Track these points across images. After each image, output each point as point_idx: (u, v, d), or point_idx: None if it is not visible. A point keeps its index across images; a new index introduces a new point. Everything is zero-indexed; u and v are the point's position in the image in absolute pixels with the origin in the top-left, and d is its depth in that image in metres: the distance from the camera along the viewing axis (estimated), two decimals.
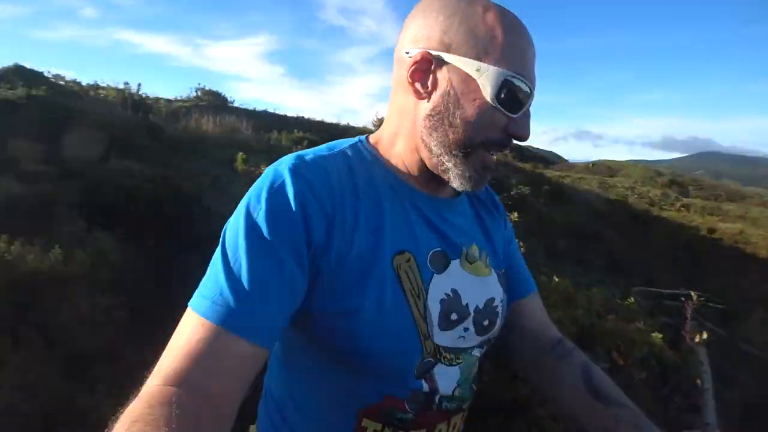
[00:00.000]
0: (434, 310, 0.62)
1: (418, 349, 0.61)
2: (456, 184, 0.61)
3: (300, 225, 0.54)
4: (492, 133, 0.58)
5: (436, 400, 0.65)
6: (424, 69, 0.58)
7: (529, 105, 0.59)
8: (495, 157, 0.63)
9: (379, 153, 0.66)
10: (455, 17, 0.57)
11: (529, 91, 0.58)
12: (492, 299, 0.69)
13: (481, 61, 0.55)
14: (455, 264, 0.66)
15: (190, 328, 0.49)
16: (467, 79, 0.56)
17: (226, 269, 0.51)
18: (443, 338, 0.63)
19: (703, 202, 12.94)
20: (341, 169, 0.61)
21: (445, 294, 0.63)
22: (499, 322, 0.71)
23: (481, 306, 0.67)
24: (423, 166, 0.63)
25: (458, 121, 0.57)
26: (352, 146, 0.66)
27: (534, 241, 5.49)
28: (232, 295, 0.50)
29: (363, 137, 0.69)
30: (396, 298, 0.59)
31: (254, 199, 0.55)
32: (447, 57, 0.57)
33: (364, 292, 0.57)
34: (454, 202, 0.70)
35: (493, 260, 0.73)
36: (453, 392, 0.66)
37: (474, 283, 0.67)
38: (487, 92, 0.55)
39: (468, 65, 0.56)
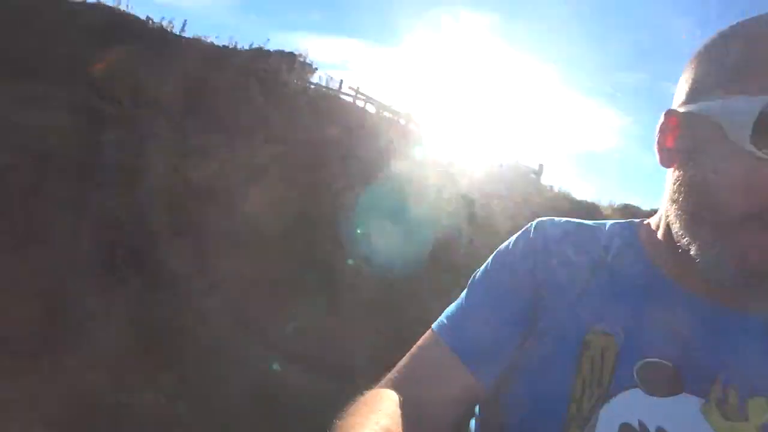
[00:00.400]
0: (605, 428, 0.43)
1: None
2: (704, 276, 0.42)
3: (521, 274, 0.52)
4: (757, 198, 0.37)
5: None
6: (671, 130, 0.45)
7: None
8: None
9: (644, 234, 0.51)
10: (701, 56, 0.45)
11: None
12: None
13: (726, 95, 0.39)
14: (692, 401, 0.42)
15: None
16: (713, 127, 0.40)
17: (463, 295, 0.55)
18: None
19: None
20: (586, 239, 0.52)
21: (639, 423, 0.43)
22: None
23: None
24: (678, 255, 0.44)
25: (699, 184, 0.41)
26: (628, 223, 0.54)
27: None
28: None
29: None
30: (551, 390, 0.47)
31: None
32: (691, 107, 0.43)
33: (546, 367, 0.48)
34: (753, 321, 0.44)
35: None
36: None
37: None
38: (739, 135, 0.37)
39: (712, 108, 0.40)
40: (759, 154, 0.36)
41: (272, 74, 7.53)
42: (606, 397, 0.44)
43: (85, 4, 7.04)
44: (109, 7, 7.24)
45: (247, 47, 8.89)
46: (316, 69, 10.38)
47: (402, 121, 10.78)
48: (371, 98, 12.33)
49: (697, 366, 0.43)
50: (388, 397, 0.46)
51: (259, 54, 8.86)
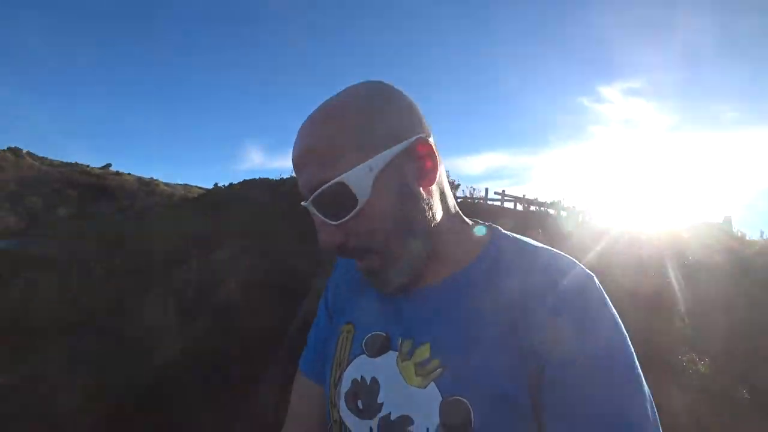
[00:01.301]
0: (346, 386, 0.62)
1: (329, 412, 0.66)
2: None
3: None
4: None
5: None
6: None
7: (309, 200, 0.56)
8: (359, 265, 0.61)
9: None
10: None
11: (303, 194, 0.58)
12: (407, 419, 0.55)
13: None
14: (392, 355, 0.60)
15: None
16: None
17: None
18: (350, 419, 0.61)
19: None
20: (351, 263, 0.70)
21: (364, 378, 0.61)
22: None
23: (393, 417, 0.56)
24: None
25: None
26: None
27: None
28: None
29: None
30: (329, 361, 0.68)
31: None
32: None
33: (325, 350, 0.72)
34: (434, 292, 0.60)
35: (450, 377, 0.53)
36: None
37: (398, 387, 0.57)
38: None
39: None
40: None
41: None
42: (347, 364, 0.64)
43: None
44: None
45: None
46: (459, 184, 11.51)
47: (551, 211, 10.89)
48: (518, 197, 12.85)
49: (394, 332, 0.61)
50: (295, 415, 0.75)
51: None
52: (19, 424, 2.89)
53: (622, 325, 0.53)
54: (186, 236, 6.59)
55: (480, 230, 0.65)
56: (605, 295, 0.54)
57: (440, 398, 0.53)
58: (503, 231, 0.64)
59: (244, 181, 17.90)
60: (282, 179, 16.42)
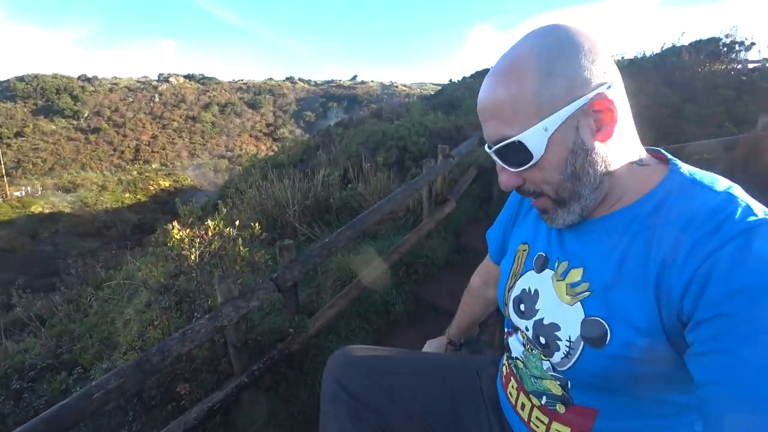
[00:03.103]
0: (516, 292, 0.77)
1: (502, 306, 0.83)
2: None
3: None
4: None
5: (511, 359, 0.81)
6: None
7: (492, 149, 0.65)
8: (534, 202, 0.69)
9: None
10: None
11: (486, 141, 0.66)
12: (555, 326, 0.67)
13: None
14: (548, 273, 0.71)
15: None
16: None
17: None
18: (514, 316, 0.77)
19: None
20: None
21: (529, 289, 0.74)
22: (560, 355, 0.66)
23: (545, 322, 0.69)
24: None
25: None
26: None
27: None
28: None
29: None
30: (506, 270, 0.83)
31: None
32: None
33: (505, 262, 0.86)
34: (598, 223, 0.65)
35: (596, 301, 0.61)
36: (526, 379, 0.75)
37: (551, 300, 0.68)
38: None
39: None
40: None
41: None
42: (520, 276, 0.77)
43: None
44: None
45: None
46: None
47: None
48: None
49: (554, 254, 0.71)
50: (472, 286, 1.14)
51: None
52: None
53: None
54: (432, 133, 7.13)
55: (656, 169, 0.64)
56: None
57: (583, 316, 0.62)
58: (682, 168, 0.62)
59: (476, 72, 17.61)
60: None
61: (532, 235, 0.78)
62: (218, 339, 2.30)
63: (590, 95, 0.57)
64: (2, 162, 48.99)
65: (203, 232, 2.13)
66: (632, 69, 8.06)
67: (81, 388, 2.74)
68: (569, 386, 0.67)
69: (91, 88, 68.26)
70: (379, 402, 0.88)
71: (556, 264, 0.69)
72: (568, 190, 0.62)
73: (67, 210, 35.58)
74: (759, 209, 0.53)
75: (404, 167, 6.23)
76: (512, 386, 0.80)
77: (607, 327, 0.59)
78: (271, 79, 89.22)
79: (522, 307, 0.74)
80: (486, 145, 0.66)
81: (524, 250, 0.78)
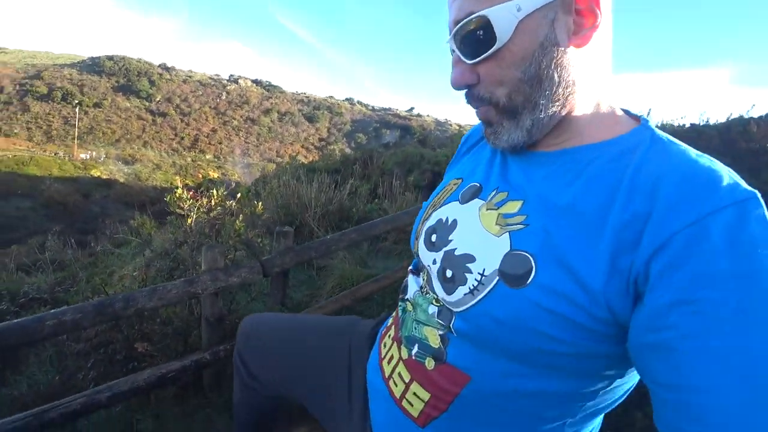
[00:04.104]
0: (430, 223, 0.66)
1: (413, 242, 0.73)
2: None
3: None
4: None
5: (402, 302, 0.71)
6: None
7: (450, 48, 0.57)
8: (479, 112, 0.59)
9: None
10: None
11: (449, 30, 0.56)
12: (469, 257, 0.55)
13: None
14: (476, 203, 0.61)
15: None
16: None
17: None
18: (422, 250, 0.66)
19: None
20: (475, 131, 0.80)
21: (446, 219, 0.63)
22: (463, 290, 0.54)
23: (457, 252, 0.57)
24: None
25: None
26: None
27: None
28: None
29: None
30: (426, 204, 0.74)
31: None
32: None
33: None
34: (552, 157, 0.56)
35: (530, 236, 0.51)
36: (406, 323, 0.66)
37: (473, 229, 0.58)
38: None
39: None
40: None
41: None
42: (440, 206, 0.67)
43: None
44: None
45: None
46: None
47: None
48: None
49: (492, 184, 0.61)
50: None
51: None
52: None
53: None
54: None
55: (624, 119, 0.56)
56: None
57: (508, 249, 0.52)
58: (653, 127, 0.54)
59: None
60: None
61: (470, 169, 0.69)
62: (196, 310, 2.25)
63: None
64: (77, 126, 53.08)
65: (205, 199, 2.11)
66: (692, 134, 7.76)
67: None
68: (449, 339, 0.57)
69: (168, 77, 73.41)
70: (266, 372, 0.92)
71: (493, 194, 0.59)
72: (524, 94, 0.52)
73: (121, 180, 37.79)
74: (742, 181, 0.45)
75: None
76: (389, 336, 0.70)
77: (533, 264, 0.49)
78: (331, 96, 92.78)
79: (433, 237, 0.64)
80: (450, 35, 0.56)
81: (455, 184, 0.69)
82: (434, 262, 0.61)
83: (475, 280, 0.53)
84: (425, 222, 0.68)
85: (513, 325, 0.49)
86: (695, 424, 0.38)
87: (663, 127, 11.14)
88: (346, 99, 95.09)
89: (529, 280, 0.48)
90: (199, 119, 66.69)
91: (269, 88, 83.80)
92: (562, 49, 0.50)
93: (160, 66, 76.51)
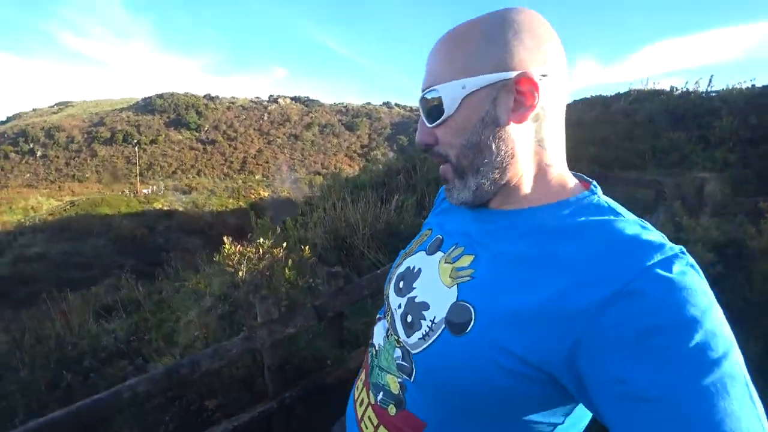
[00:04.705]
0: (401, 270, 0.74)
1: (386, 285, 0.79)
2: None
3: None
4: None
5: (371, 346, 0.76)
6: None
7: (418, 103, 0.65)
8: (441, 169, 0.67)
9: None
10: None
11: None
12: (425, 305, 0.63)
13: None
14: (439, 255, 0.68)
15: None
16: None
17: None
18: (391, 294, 0.73)
19: None
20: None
21: (413, 267, 0.71)
22: (415, 339, 0.62)
23: (417, 300, 0.66)
24: None
25: None
26: None
27: None
28: None
29: None
30: (402, 252, 0.81)
31: None
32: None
33: None
34: (503, 216, 0.63)
35: (475, 289, 0.58)
36: (374, 370, 0.71)
37: (432, 280, 0.66)
38: None
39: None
40: None
41: None
42: (409, 256, 0.75)
43: None
44: None
45: None
46: None
47: None
48: None
49: (452, 239, 0.69)
50: None
51: None
52: None
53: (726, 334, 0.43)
54: None
55: (573, 184, 0.62)
56: (697, 286, 0.45)
57: (455, 299, 0.58)
58: (599, 193, 0.61)
59: (574, 101, 16.70)
60: (618, 94, 14.34)
61: (439, 222, 0.78)
62: (259, 358, 2.28)
63: (517, 72, 0.56)
64: (138, 164, 57.26)
65: (253, 249, 2.14)
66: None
67: (136, 377, 3.01)
68: (407, 386, 0.63)
69: (213, 106, 77.38)
70: None
71: (452, 248, 0.67)
72: (468, 160, 0.61)
73: (181, 209, 40.23)
74: (669, 242, 0.50)
75: None
76: (361, 380, 0.76)
77: (473, 315, 0.55)
78: (369, 103, 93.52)
79: (401, 284, 0.72)
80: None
81: (426, 235, 0.78)
82: (399, 306, 0.68)
83: (427, 326, 0.60)
84: (397, 268, 0.76)
85: (455, 370, 0.54)
86: None
87: (730, 92, 10.26)
88: (384, 103, 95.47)
89: (469, 328, 0.54)
90: (245, 142, 69.67)
91: (308, 103, 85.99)
92: (502, 124, 0.58)
93: (205, 97, 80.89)
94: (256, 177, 62.03)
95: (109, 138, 64.10)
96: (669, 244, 0.49)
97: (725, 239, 2.79)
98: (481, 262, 0.60)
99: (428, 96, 0.61)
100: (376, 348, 0.72)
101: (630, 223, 0.52)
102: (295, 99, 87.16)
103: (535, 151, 0.60)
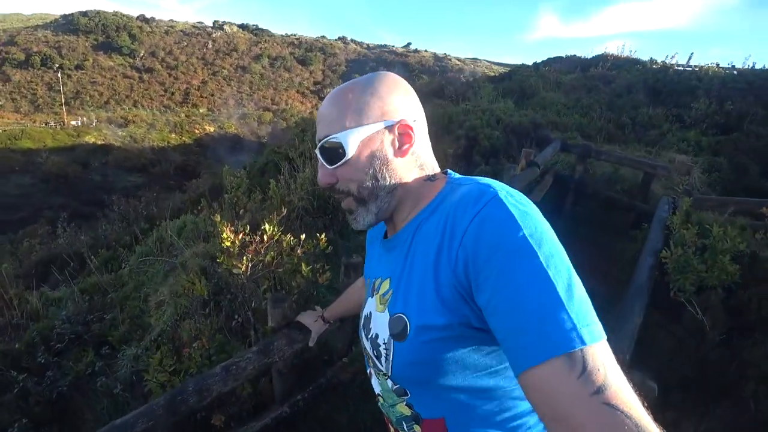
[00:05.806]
0: (362, 320, 0.85)
1: (360, 334, 0.87)
2: None
3: None
4: None
5: (378, 397, 0.85)
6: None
7: (318, 147, 0.75)
8: (343, 203, 0.79)
9: None
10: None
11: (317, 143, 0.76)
12: (377, 336, 0.76)
13: None
14: (374, 295, 0.81)
15: None
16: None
17: None
18: (363, 338, 0.84)
19: None
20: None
21: (368, 313, 0.82)
22: (385, 363, 0.74)
23: (372, 335, 0.78)
24: None
25: None
26: None
27: None
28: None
29: None
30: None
31: None
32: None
33: None
34: (397, 237, 0.77)
35: (397, 301, 0.73)
36: (389, 413, 0.82)
37: (376, 315, 0.78)
38: None
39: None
40: None
41: None
42: (364, 306, 0.87)
43: None
44: None
45: None
46: None
47: None
48: None
49: (376, 276, 0.83)
50: (358, 282, 1.29)
51: None
52: None
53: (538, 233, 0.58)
54: (506, 127, 6.50)
55: (440, 183, 0.76)
56: (515, 211, 0.60)
57: (389, 317, 0.72)
58: (455, 177, 0.77)
59: (549, 59, 16.25)
60: (596, 57, 14.17)
61: (370, 267, 0.90)
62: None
63: (397, 119, 0.73)
64: (62, 92, 51.06)
65: (257, 238, 1.75)
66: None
67: (108, 371, 2.56)
68: (412, 403, 0.75)
69: (148, 29, 69.31)
70: None
71: (378, 282, 0.81)
72: (368, 189, 0.74)
73: (117, 144, 36.87)
74: (501, 187, 0.65)
75: (472, 162, 5.63)
76: (391, 426, 0.84)
77: (406, 320, 0.68)
78: (323, 37, 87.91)
79: (365, 331, 0.82)
80: (317, 148, 0.75)
81: (367, 284, 0.89)
82: (370, 348, 0.79)
83: (384, 349, 0.73)
84: (361, 319, 0.86)
85: (418, 365, 0.68)
86: None
87: (706, 71, 10.49)
88: (339, 38, 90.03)
89: (408, 331, 0.68)
90: (188, 72, 63.76)
91: (257, 32, 79.15)
92: (390, 159, 0.74)
93: (138, 18, 71.92)
94: (201, 111, 57.66)
95: (24, 60, 56.14)
96: (492, 189, 0.63)
97: (750, 252, 2.68)
98: (394, 279, 0.74)
99: (328, 143, 0.73)
100: (380, 395, 0.83)
101: (472, 186, 0.67)
102: (242, 27, 80.00)
103: (418, 172, 0.76)
